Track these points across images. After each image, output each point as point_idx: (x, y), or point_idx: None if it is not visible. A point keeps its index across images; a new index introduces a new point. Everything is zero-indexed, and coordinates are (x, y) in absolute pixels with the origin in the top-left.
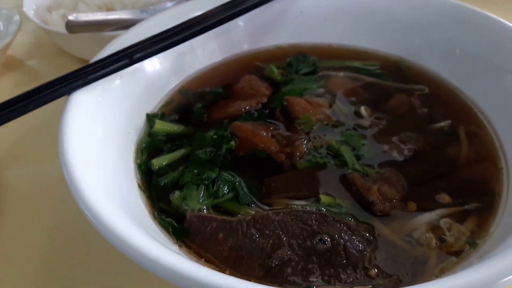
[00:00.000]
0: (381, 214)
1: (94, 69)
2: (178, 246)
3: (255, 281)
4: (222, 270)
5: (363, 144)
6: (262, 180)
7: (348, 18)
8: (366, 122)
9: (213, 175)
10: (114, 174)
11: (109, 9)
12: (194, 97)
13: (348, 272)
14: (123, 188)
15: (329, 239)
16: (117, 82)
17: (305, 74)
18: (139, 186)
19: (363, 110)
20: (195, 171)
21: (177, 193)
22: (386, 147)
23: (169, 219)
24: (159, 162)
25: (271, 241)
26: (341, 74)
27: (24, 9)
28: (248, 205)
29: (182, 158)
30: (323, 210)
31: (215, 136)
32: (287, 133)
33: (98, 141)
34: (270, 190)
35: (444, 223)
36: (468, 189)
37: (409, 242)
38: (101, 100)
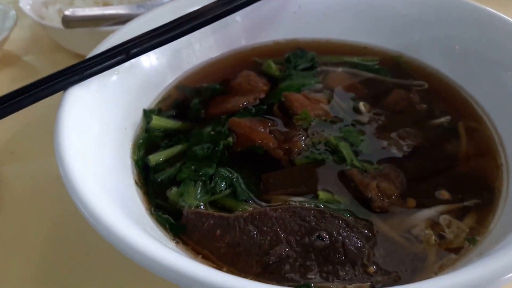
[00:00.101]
0: (379, 210)
1: (90, 64)
2: (175, 242)
3: (252, 278)
4: (220, 267)
5: (362, 140)
6: (260, 176)
7: (347, 13)
8: (364, 118)
9: (211, 171)
10: (110, 170)
11: (106, 4)
12: (191, 92)
13: (347, 269)
14: (120, 184)
15: (327, 236)
16: (114, 77)
17: (304, 69)
18: (136, 182)
19: (361, 105)
20: (193, 167)
21: (174, 189)
22: (385, 143)
23: (166, 216)
24: (156, 158)
25: (268, 237)
26: (340, 69)
27: (20, 4)
28: (246, 201)
29: (179, 154)
30: (321, 207)
31: (212, 132)
32: (285, 129)
33: (95, 137)
34: (268, 186)
35: (443, 219)
36: (468, 185)
37: (408, 239)
38: (98, 95)
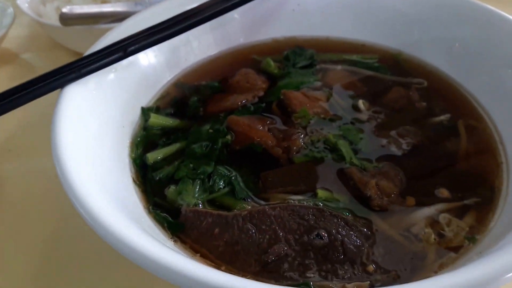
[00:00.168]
0: (379, 209)
1: (88, 62)
2: (173, 241)
3: (251, 277)
4: (218, 266)
5: (361, 138)
6: (259, 174)
7: (346, 11)
8: (364, 116)
9: (209, 169)
10: (108, 168)
11: (104, 1)
12: (189, 90)
13: (346, 267)
14: (118, 182)
15: (326, 234)
16: (111, 75)
17: (302, 67)
18: (134, 181)
19: (361, 103)
20: (191, 165)
21: (172, 187)
22: (384, 141)
23: (164, 214)
24: (154, 156)
25: (267, 236)
26: (339, 67)
27: (18, 1)
28: (244, 199)
29: (177, 152)
30: (320, 205)
31: (211, 130)
32: (284, 127)
33: (92, 135)
34: (267, 184)
35: (443, 218)
36: (468, 183)
37: (407, 237)
38: (95, 93)
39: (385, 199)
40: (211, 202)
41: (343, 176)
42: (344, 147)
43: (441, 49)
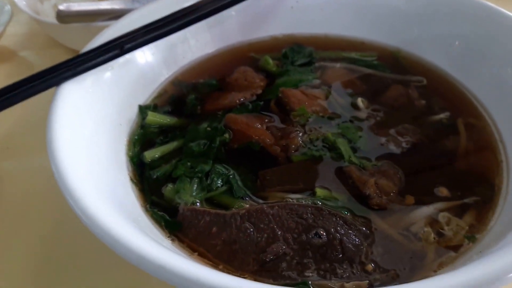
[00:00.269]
0: (378, 207)
1: (84, 59)
2: (171, 240)
3: (249, 276)
4: (216, 265)
5: (360, 137)
6: (257, 173)
7: (345, 8)
8: (363, 114)
9: (207, 168)
10: (105, 167)
11: None
12: (187, 88)
13: (344, 266)
14: (115, 181)
15: (324, 233)
16: (108, 73)
17: (301, 65)
18: (131, 179)
19: (360, 101)
20: (188, 163)
21: (170, 186)
22: (383, 139)
23: (161, 213)
24: (151, 154)
25: (265, 235)
26: (338, 65)
27: None
28: (242, 198)
29: (175, 151)
30: (318, 204)
31: (208, 128)
32: (282, 126)
33: (88, 133)
34: (265, 183)
35: (442, 217)
36: (467, 182)
37: (406, 237)
38: (92, 91)
39: (384, 197)
40: (209, 201)
41: (342, 175)
42: (343, 146)
43: (440, 47)
